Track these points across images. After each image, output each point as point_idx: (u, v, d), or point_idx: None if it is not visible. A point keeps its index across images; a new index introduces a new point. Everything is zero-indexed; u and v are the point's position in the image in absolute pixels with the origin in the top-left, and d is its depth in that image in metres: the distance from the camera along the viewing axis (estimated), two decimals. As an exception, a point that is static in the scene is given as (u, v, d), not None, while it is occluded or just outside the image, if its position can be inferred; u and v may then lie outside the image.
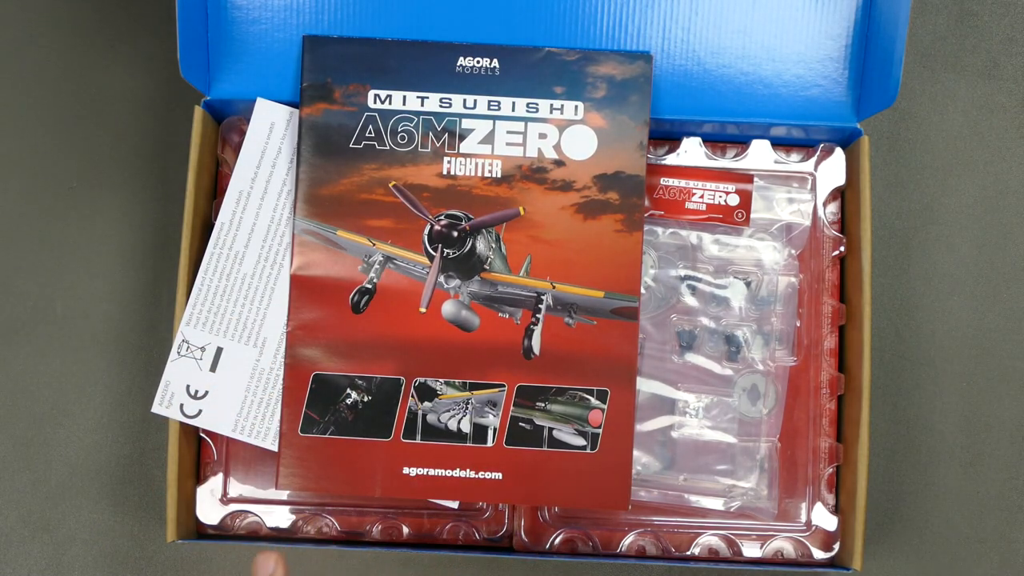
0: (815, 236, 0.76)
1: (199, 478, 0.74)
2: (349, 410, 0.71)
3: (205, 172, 0.74)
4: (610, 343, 0.72)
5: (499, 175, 0.73)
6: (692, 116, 0.75)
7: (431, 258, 0.72)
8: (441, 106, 0.73)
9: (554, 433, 0.72)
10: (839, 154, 0.76)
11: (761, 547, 0.74)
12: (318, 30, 0.74)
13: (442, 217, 0.72)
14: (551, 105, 0.73)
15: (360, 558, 0.78)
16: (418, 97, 0.73)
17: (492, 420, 0.72)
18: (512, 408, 0.72)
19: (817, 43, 0.75)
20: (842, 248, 0.75)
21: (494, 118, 0.73)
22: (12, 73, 0.83)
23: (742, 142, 0.77)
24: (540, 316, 0.72)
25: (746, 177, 0.75)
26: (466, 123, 0.73)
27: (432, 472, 0.71)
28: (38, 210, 0.82)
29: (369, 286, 0.72)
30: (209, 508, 0.74)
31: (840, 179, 0.76)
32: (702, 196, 0.75)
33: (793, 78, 0.75)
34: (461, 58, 0.73)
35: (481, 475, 0.71)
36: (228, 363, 0.72)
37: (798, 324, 0.75)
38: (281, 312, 0.72)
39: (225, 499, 0.74)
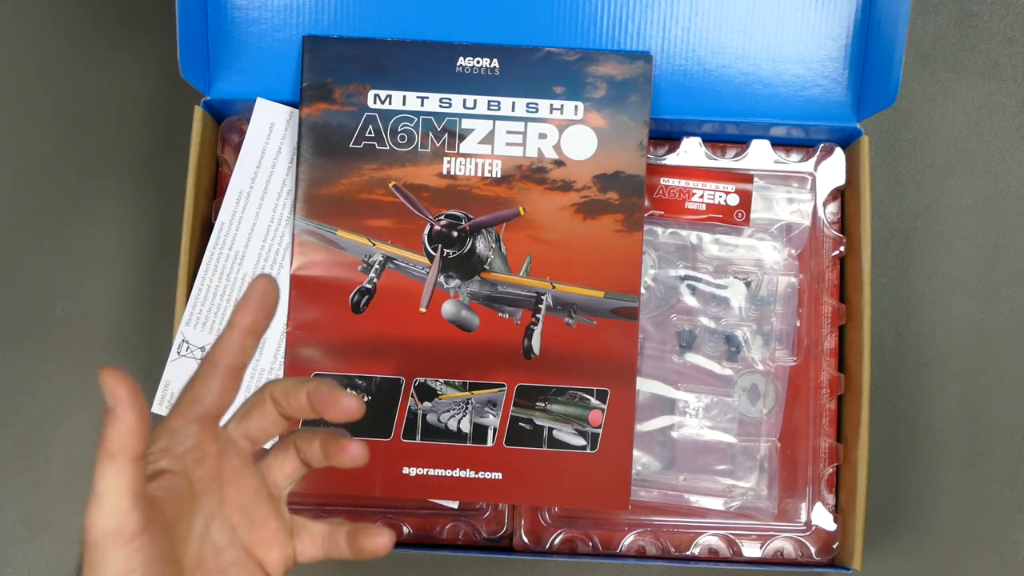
0: (815, 236, 0.76)
1: (199, 478, 0.74)
2: (349, 410, 0.71)
3: (205, 172, 0.74)
4: (610, 343, 0.72)
5: (499, 175, 0.73)
6: (692, 116, 0.75)
7: (431, 258, 0.72)
8: (441, 106, 0.73)
9: (554, 433, 0.72)
10: (839, 154, 0.76)
11: (761, 547, 0.74)
12: (318, 30, 0.74)
13: (442, 217, 0.72)
14: (551, 105, 0.73)
15: (360, 558, 0.78)
16: (418, 97, 0.73)
17: (492, 420, 0.72)
18: (512, 408, 0.72)
19: (817, 43, 0.75)
20: (842, 248, 0.75)
21: (494, 118, 0.73)
22: (12, 73, 0.83)
23: (742, 142, 0.77)
24: (540, 316, 0.72)
25: (746, 177, 0.75)
26: (466, 123, 0.73)
27: (432, 472, 0.71)
28: (38, 210, 0.82)
29: (369, 286, 0.72)
30: (209, 508, 0.74)
31: (840, 179, 0.76)
32: (702, 196, 0.75)
33: (793, 78, 0.75)
34: (461, 58, 0.73)
35: (481, 475, 0.71)
36: (228, 363, 0.72)
37: (798, 324, 0.75)
38: (281, 312, 0.72)
39: (225, 499, 0.74)
